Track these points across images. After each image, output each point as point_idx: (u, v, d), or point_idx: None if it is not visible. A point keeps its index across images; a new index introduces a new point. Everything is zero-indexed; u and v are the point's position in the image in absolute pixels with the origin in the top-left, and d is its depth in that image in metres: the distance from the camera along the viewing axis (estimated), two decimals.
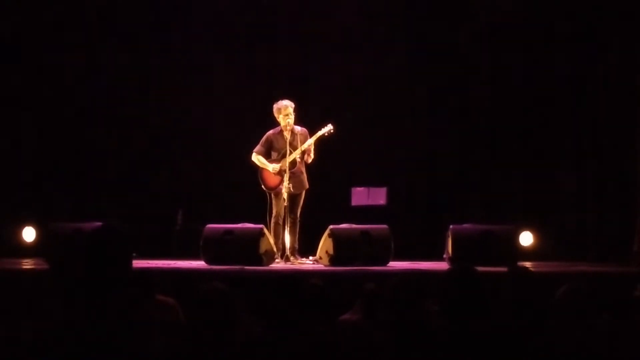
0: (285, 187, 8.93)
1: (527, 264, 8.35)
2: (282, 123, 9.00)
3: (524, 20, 10.69)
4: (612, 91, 10.42)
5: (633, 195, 10.08)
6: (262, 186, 9.12)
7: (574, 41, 10.63)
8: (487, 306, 3.99)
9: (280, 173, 9.00)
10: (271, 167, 9.04)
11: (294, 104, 9.02)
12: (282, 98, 9.05)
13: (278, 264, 8.87)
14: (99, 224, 3.83)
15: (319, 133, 9.01)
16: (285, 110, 8.96)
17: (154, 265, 8.27)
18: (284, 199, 8.96)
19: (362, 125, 10.91)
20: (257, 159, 9.11)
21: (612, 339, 4.10)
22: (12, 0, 10.70)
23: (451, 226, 9.01)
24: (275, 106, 9.02)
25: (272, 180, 9.08)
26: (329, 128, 9.02)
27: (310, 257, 9.12)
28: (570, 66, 10.66)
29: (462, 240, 8.86)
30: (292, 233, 9.09)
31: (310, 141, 8.98)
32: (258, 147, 9.14)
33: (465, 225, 9.08)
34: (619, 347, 4.05)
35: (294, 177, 9.01)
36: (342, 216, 9.44)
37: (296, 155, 8.97)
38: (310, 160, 9.03)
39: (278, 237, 9.06)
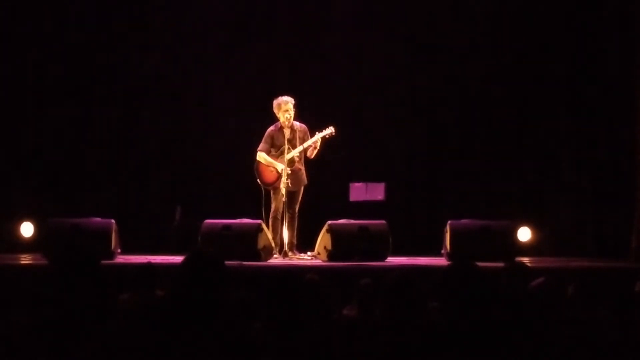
0: (284, 184, 8.92)
1: (525, 260, 8.36)
2: (282, 119, 8.98)
3: (522, 17, 10.68)
4: (611, 86, 10.43)
5: (632, 191, 10.08)
6: (259, 182, 9.12)
7: (572, 38, 10.64)
8: (486, 302, 3.99)
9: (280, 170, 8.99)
10: (280, 167, 8.99)
11: (295, 100, 9.01)
12: (282, 94, 9.04)
13: (276, 260, 8.87)
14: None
15: (319, 135, 8.97)
16: (285, 106, 8.94)
17: (152, 261, 8.25)
18: (282, 195, 8.95)
19: (361, 120, 10.90)
20: (263, 158, 9.07)
21: (612, 334, 4.11)
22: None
23: (449, 221, 9.02)
24: (275, 102, 9.01)
25: (269, 176, 9.07)
26: (330, 131, 8.99)
27: (309, 253, 9.12)
28: (570, 63, 10.67)
29: (460, 236, 8.86)
30: (290, 228, 9.08)
31: (310, 142, 8.95)
32: (262, 145, 9.10)
33: (463, 221, 9.09)
34: (619, 343, 4.06)
35: (292, 174, 9.00)
36: (340, 211, 9.44)
37: (295, 153, 8.97)
38: (313, 156, 9.01)
39: (276, 232, 9.05)
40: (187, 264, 3.37)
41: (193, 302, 3.27)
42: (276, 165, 8.98)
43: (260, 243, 8.61)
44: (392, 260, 8.77)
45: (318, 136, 8.96)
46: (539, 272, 5.88)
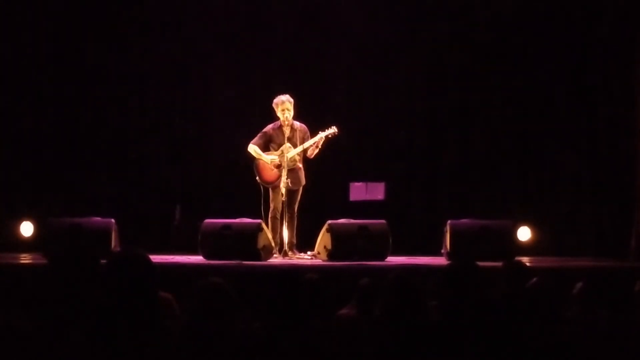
0: (284, 183, 8.92)
1: (525, 260, 8.36)
2: (281, 118, 8.98)
3: (521, 19, 10.68)
4: (610, 86, 10.43)
5: (631, 190, 10.08)
6: (259, 180, 9.12)
7: (571, 37, 10.64)
8: (486, 301, 3.99)
9: (279, 168, 8.99)
10: (269, 158, 9.01)
11: (294, 99, 9.01)
12: (282, 93, 9.04)
13: (276, 259, 8.86)
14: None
15: (322, 134, 8.96)
16: (282, 105, 8.94)
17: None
18: (282, 194, 8.95)
19: (361, 120, 10.90)
20: (253, 149, 9.09)
21: (612, 334, 4.11)
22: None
23: (449, 221, 9.01)
24: (274, 101, 9.02)
25: (269, 175, 9.07)
26: (332, 130, 8.98)
27: (309, 252, 9.11)
28: (569, 62, 10.67)
29: (460, 235, 8.86)
30: (290, 228, 9.08)
31: (312, 141, 8.95)
32: (255, 139, 9.12)
33: (463, 220, 9.09)
34: (619, 342, 4.06)
35: (292, 173, 9.00)
36: (340, 211, 9.43)
37: (295, 152, 8.97)
38: (314, 156, 9.01)
39: (276, 231, 9.04)
40: (111, 265, 3.35)
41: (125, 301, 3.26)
42: (264, 158, 9.00)
43: (260, 242, 8.60)
44: (392, 259, 8.76)
45: (321, 135, 8.96)
46: (539, 271, 5.88)
